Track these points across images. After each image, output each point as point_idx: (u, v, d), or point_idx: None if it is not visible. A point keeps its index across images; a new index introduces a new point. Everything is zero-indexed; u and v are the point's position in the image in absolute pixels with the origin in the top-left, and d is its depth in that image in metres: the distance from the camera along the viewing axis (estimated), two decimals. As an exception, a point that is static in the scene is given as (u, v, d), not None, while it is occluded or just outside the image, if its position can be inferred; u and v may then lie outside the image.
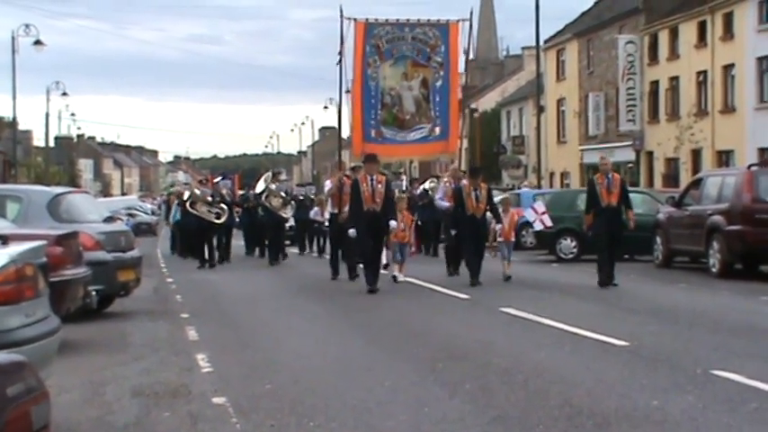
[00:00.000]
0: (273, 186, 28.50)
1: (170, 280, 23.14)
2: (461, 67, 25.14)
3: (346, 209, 20.26)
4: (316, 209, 30.51)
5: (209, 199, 27.33)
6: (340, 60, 23.75)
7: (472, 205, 19.23)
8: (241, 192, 35.02)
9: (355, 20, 23.63)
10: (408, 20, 24.32)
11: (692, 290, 18.71)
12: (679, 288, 18.92)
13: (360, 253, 18.90)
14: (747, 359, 10.48)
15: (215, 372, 10.41)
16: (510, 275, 19.87)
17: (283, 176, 42.28)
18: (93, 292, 13.99)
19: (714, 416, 7.92)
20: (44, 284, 8.02)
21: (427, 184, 30.17)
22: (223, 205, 27.56)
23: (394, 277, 19.79)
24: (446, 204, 21.49)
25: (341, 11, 23.32)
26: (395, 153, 25.67)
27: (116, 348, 12.24)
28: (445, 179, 23.22)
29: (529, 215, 22.56)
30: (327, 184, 23.09)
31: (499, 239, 20.67)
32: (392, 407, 8.41)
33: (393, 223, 18.87)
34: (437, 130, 24.12)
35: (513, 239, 21.08)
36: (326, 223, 29.30)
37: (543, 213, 22.40)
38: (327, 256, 27.38)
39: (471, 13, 24.44)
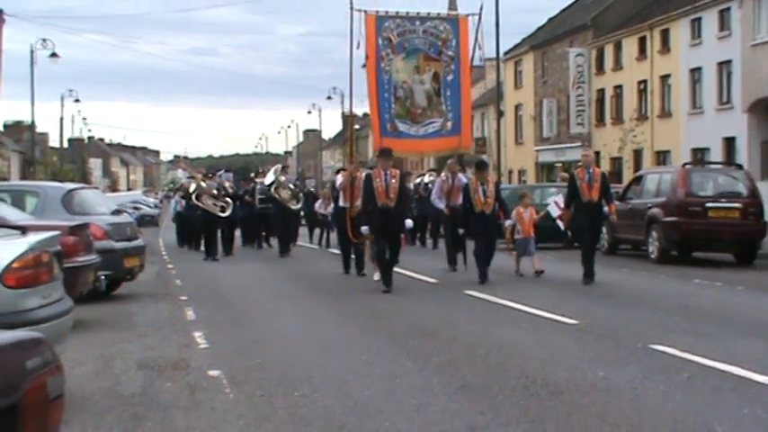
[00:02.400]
0: (282, 178, 26.55)
1: (170, 266, 23.08)
2: (471, 61, 22.41)
3: (358, 203, 17.96)
4: (320, 201, 28.89)
5: (215, 192, 25.34)
6: (351, 53, 21.05)
7: (480, 201, 16.81)
8: None
9: (365, 12, 21.10)
10: (418, 13, 21.84)
11: (633, 274, 18.78)
12: (622, 272, 18.99)
13: (377, 251, 16.31)
14: (681, 334, 10.55)
15: (210, 348, 10.40)
16: (542, 270, 17.83)
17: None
18: (103, 277, 14.00)
19: (652, 384, 7.97)
20: (59, 270, 8.00)
21: (426, 178, 28.74)
22: (228, 198, 25.59)
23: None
24: (442, 205, 19.58)
25: (350, 1, 20.60)
26: (410, 148, 22.76)
27: (123, 327, 12.22)
28: (442, 175, 20.89)
29: (552, 210, 19.70)
30: (339, 178, 20.88)
31: (518, 236, 18.43)
32: (368, 378, 8.42)
33: (409, 222, 16.90)
34: (449, 124, 21.49)
35: (533, 234, 18.64)
36: (329, 217, 27.56)
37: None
38: (335, 251, 26.07)
39: (481, 7, 21.72)
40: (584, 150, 18.37)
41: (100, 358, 9.73)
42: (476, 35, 21.37)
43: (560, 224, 19.77)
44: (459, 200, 18.26)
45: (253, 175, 33.12)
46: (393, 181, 15.90)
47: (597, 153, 50.08)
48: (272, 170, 27.44)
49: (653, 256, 21.63)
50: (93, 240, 13.24)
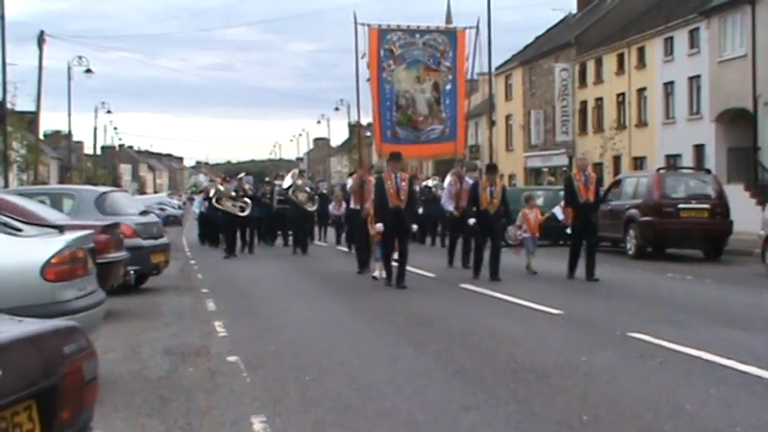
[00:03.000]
0: (300, 182, 25.74)
1: (193, 262, 23.08)
2: (468, 72, 21.50)
3: (367, 205, 17.33)
4: (333, 204, 28.14)
5: (233, 194, 24.63)
6: (357, 64, 20.06)
7: (486, 200, 16.40)
8: None
9: (369, 26, 20.23)
10: (419, 26, 21.02)
11: (613, 269, 18.76)
12: (603, 267, 18.89)
13: (384, 251, 15.76)
14: (655, 323, 10.55)
15: (229, 336, 10.41)
16: (535, 270, 17.47)
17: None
18: (132, 272, 14.03)
19: (629, 368, 7.98)
20: (92, 265, 8.02)
21: (430, 182, 27.99)
22: (246, 199, 24.85)
23: (374, 277, 16.66)
24: (451, 207, 19.14)
25: (354, 17, 19.71)
26: (409, 153, 21.15)
27: (150, 317, 12.24)
28: (449, 179, 20.14)
29: (558, 213, 18.31)
30: (349, 182, 20.07)
31: (525, 235, 18.08)
32: (372, 363, 8.44)
33: (414, 227, 16.40)
34: (446, 131, 20.69)
35: (537, 235, 18.26)
36: (342, 218, 25.99)
37: None
38: (343, 248, 25.67)
39: (478, 21, 20.85)
40: (582, 154, 17.18)
41: (129, 345, 9.75)
42: (474, 48, 20.57)
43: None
44: None
45: (267, 179, 32.78)
46: (403, 184, 15.36)
47: (580, 159, 50.12)
48: (290, 174, 26.58)
49: (630, 252, 21.65)
50: (123, 238, 13.27)
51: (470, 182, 18.52)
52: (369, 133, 51.99)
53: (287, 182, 25.91)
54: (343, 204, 25.30)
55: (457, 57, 20.63)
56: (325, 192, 32.94)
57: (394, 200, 15.24)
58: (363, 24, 20.04)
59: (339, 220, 27.75)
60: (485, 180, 16.74)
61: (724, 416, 6.30)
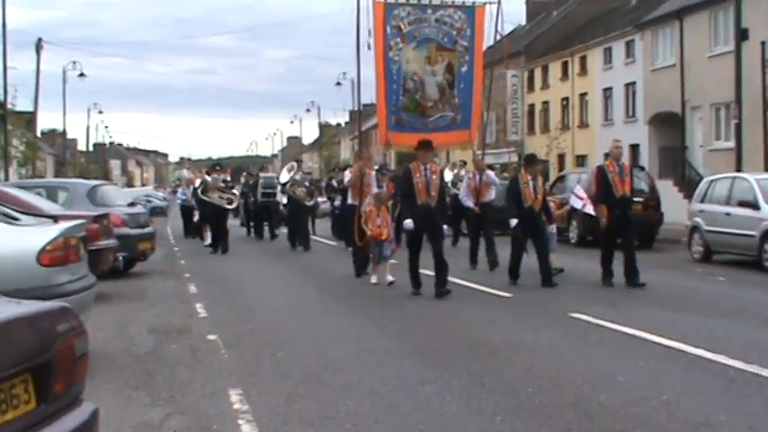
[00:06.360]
0: (298, 177, 22.19)
1: (176, 249, 22.97)
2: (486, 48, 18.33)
3: (367, 200, 14.69)
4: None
5: (222, 185, 21.75)
6: (357, 42, 16.46)
7: (530, 196, 13.18)
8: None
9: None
10: (431, 1, 17.29)
11: (557, 256, 18.72)
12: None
13: (409, 260, 12.57)
14: (594, 304, 10.66)
15: (209, 316, 10.39)
16: (560, 268, 14.59)
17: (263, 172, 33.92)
18: (120, 258, 13.97)
19: (570, 345, 8.07)
20: (84, 251, 7.98)
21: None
22: (235, 191, 22.35)
23: (374, 284, 13.50)
24: (470, 203, 16.23)
25: None
26: (415, 143, 17.27)
27: (137, 298, 12.20)
28: (470, 173, 17.02)
29: (575, 202, 16.24)
30: (347, 175, 16.75)
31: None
32: (339, 341, 8.47)
33: (446, 227, 12.87)
34: (459, 118, 17.25)
35: (553, 230, 15.19)
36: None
37: (585, 199, 15.95)
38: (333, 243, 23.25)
39: None
40: (615, 141, 13.90)
41: (118, 324, 9.72)
42: (495, 23, 17.54)
43: (589, 211, 15.78)
44: (488, 197, 16.02)
45: (250, 171, 32.13)
46: (434, 177, 12.15)
47: (528, 157, 50.42)
48: (286, 168, 23.11)
49: (573, 240, 21.80)
50: (113, 227, 13.21)
51: (491, 175, 16.52)
52: (364, 129, 50.49)
53: (284, 176, 22.67)
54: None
55: (475, 35, 17.56)
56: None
57: (423, 196, 12.04)
58: None
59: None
60: (524, 173, 13.61)
61: (653, 386, 6.39)
